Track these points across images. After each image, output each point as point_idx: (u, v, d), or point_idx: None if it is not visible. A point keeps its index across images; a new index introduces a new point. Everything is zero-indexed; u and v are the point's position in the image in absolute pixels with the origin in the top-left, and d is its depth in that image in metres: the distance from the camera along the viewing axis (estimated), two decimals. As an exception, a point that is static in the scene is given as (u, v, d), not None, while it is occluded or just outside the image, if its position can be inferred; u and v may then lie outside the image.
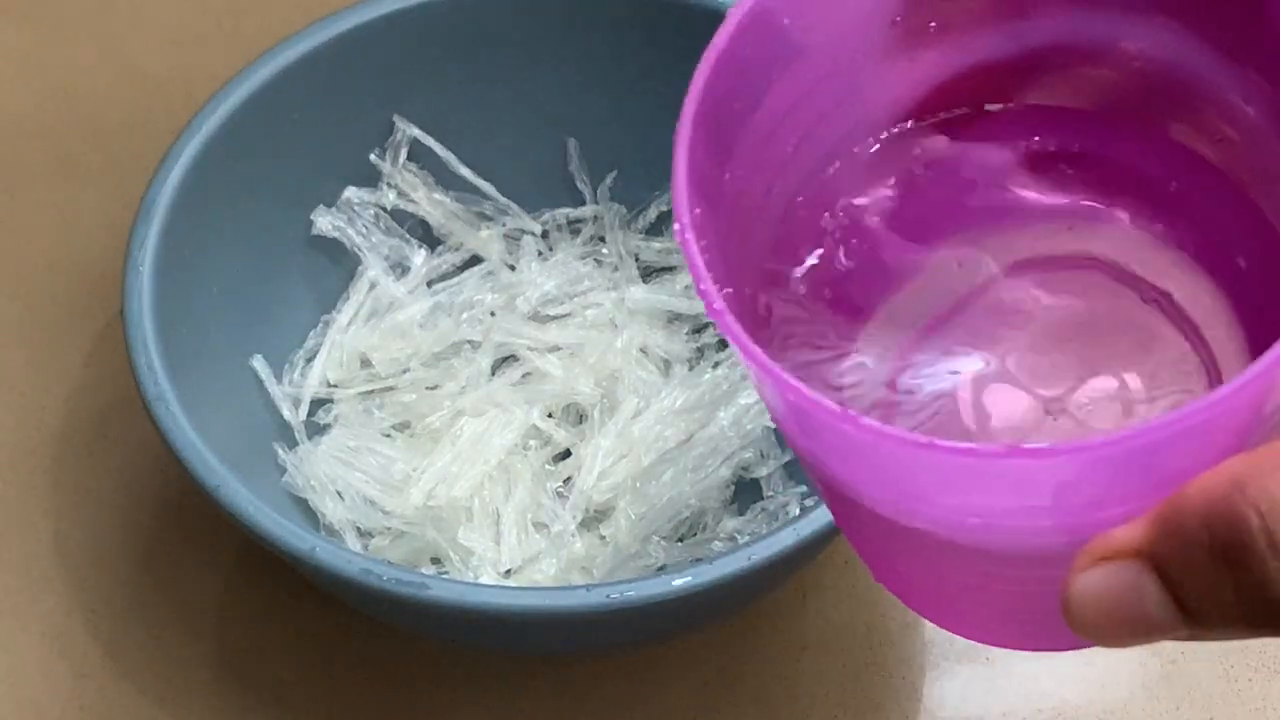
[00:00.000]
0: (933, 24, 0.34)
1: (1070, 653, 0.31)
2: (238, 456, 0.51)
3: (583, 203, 0.63)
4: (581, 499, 0.56)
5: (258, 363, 0.58)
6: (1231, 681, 0.56)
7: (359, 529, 0.56)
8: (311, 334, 0.60)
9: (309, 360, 0.59)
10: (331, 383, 0.59)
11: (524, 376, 0.59)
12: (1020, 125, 0.35)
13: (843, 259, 0.34)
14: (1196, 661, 0.56)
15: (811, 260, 0.34)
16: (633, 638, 0.54)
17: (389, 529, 0.56)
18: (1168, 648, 0.56)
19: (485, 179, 0.62)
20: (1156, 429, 0.26)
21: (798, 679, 0.56)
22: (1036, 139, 0.35)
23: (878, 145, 0.35)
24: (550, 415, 0.59)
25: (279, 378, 0.58)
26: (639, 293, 0.60)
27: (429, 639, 0.56)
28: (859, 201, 0.35)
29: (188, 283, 0.55)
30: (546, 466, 0.58)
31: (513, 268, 0.62)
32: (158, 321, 0.52)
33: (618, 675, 0.56)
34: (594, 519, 0.57)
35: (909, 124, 0.35)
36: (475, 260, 0.62)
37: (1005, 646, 0.36)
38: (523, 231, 0.62)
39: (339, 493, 0.56)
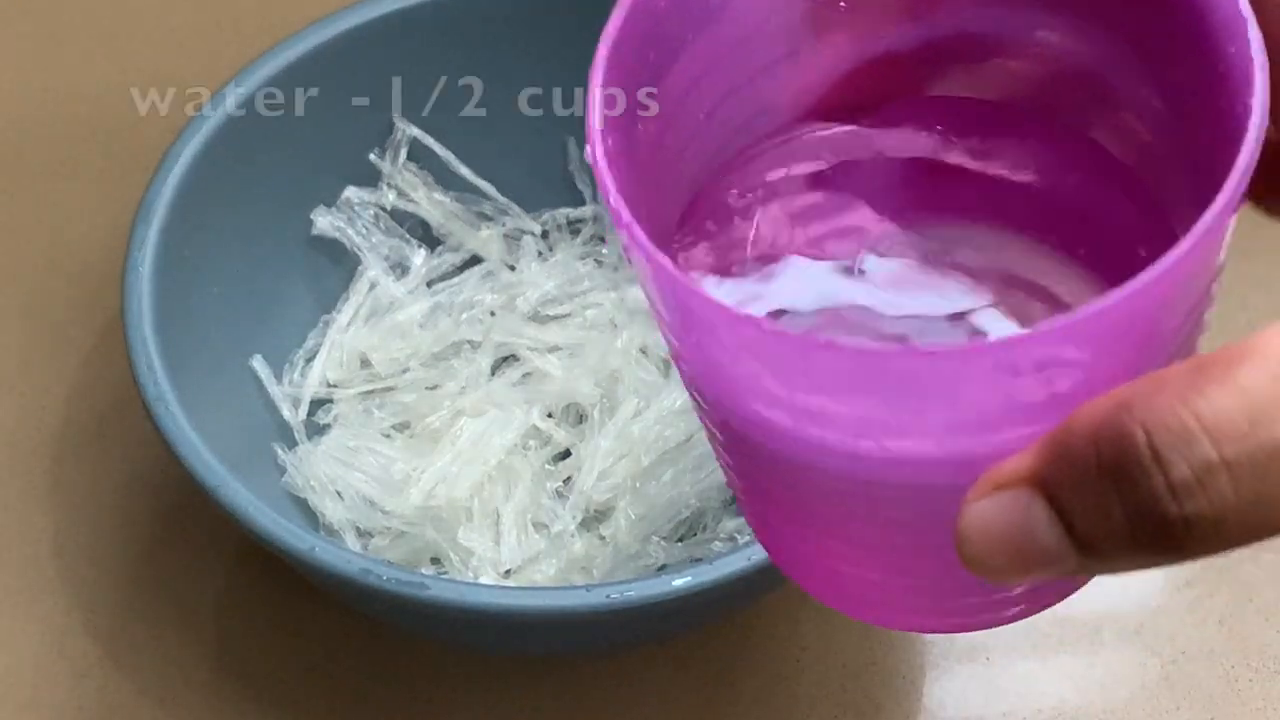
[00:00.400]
0: (842, 3, 0.33)
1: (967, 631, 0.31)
2: (237, 456, 0.51)
3: (583, 203, 0.63)
4: (581, 499, 0.56)
5: (257, 363, 0.58)
6: (1232, 682, 0.56)
7: (358, 529, 0.56)
8: (311, 334, 0.60)
9: (309, 360, 0.59)
10: (331, 383, 0.59)
11: (524, 376, 0.59)
12: (926, 116, 0.34)
13: (743, 236, 0.34)
14: (1197, 662, 0.56)
15: (718, 231, 0.34)
16: (633, 638, 0.54)
17: (389, 529, 0.56)
18: (1168, 648, 0.56)
19: (485, 179, 0.62)
20: (1046, 334, 0.26)
21: (798, 679, 0.56)
22: (939, 128, 0.34)
23: (785, 129, 0.34)
24: (550, 415, 0.59)
25: (279, 378, 0.58)
26: (639, 293, 0.60)
27: (429, 639, 0.56)
28: (764, 183, 0.34)
29: (187, 283, 0.55)
30: (546, 466, 0.58)
31: (513, 268, 0.62)
32: (157, 322, 0.52)
33: (618, 675, 0.56)
34: (594, 519, 0.57)
35: (816, 111, 0.34)
36: (475, 260, 0.62)
37: (890, 625, 0.35)
38: (523, 231, 0.62)
39: (339, 493, 0.56)
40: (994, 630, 0.57)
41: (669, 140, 0.33)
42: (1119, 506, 0.25)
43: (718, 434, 0.32)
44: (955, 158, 0.34)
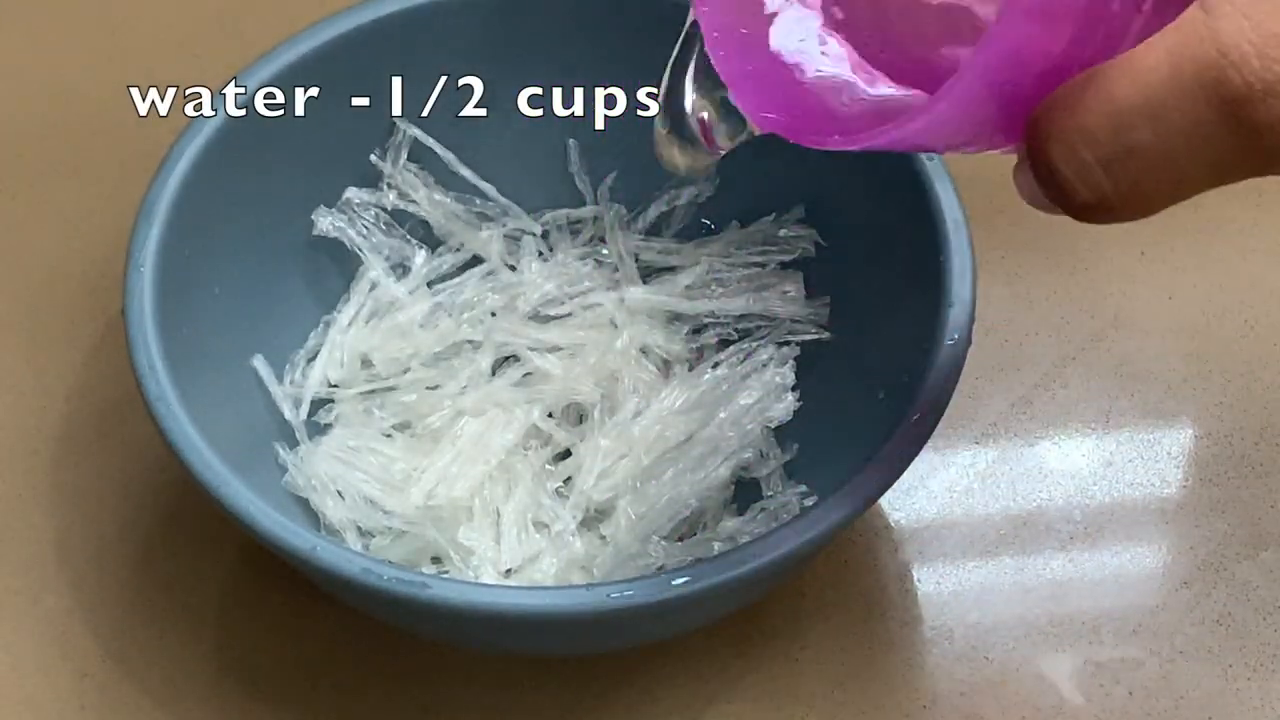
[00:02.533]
0: None
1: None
2: (238, 456, 0.51)
3: (583, 203, 0.63)
4: (581, 499, 0.56)
5: (258, 363, 0.58)
6: (1230, 681, 0.56)
7: (359, 529, 0.56)
8: (312, 334, 0.60)
9: (310, 360, 0.59)
10: (332, 383, 0.59)
11: (524, 376, 0.59)
12: None
13: None
14: (1195, 661, 0.56)
15: None
16: (633, 638, 0.54)
17: (389, 529, 0.56)
18: (1167, 647, 0.56)
19: (485, 179, 0.62)
20: None
21: (798, 679, 0.56)
22: None
23: None
24: (550, 415, 0.59)
25: (280, 378, 0.58)
26: (639, 293, 0.60)
27: (429, 639, 0.56)
28: None
29: (189, 283, 0.55)
30: (546, 466, 0.58)
31: (513, 268, 0.62)
32: (159, 321, 0.52)
33: (618, 675, 0.56)
34: (594, 519, 0.57)
35: None
36: (476, 261, 0.62)
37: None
38: (523, 232, 0.62)
39: (339, 492, 0.56)
40: (994, 630, 0.58)
41: None
42: (1046, 190, 0.36)
43: None
44: None
